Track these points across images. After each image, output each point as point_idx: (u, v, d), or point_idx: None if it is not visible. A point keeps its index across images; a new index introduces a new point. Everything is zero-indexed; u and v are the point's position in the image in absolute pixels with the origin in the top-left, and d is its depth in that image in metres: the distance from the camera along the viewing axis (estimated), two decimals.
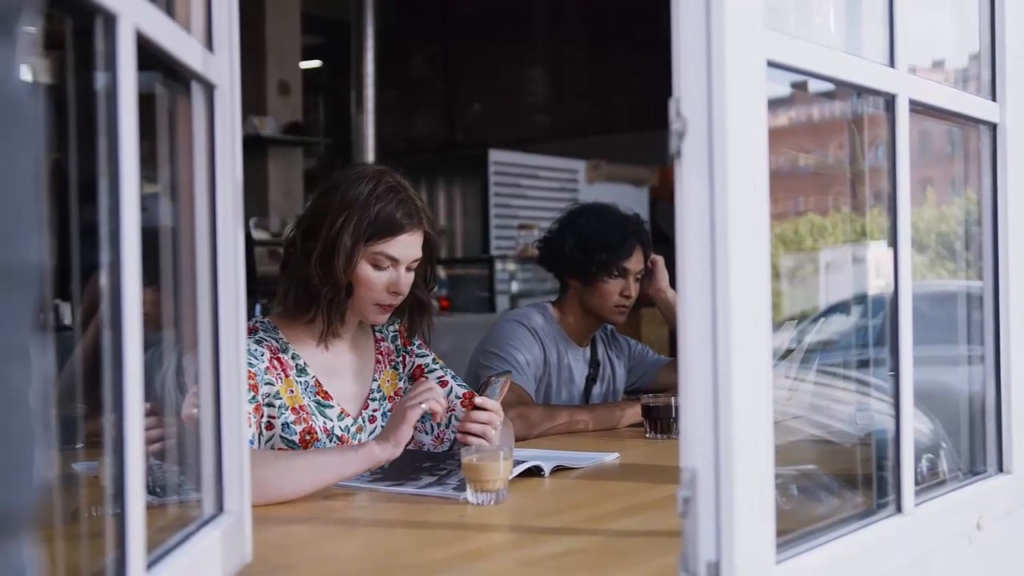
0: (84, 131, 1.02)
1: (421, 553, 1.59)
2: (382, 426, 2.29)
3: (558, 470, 2.18)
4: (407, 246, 2.22)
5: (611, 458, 2.36)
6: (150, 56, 1.11)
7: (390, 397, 2.36)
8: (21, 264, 0.54)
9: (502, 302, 7.23)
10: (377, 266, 2.20)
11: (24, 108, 0.54)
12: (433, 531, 1.72)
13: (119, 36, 1.00)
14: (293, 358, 2.23)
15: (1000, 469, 1.83)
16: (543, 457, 2.20)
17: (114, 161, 1.01)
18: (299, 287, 2.21)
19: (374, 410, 2.33)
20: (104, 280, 1.01)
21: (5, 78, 0.53)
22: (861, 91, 1.57)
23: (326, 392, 2.24)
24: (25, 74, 0.56)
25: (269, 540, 1.59)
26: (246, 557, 1.42)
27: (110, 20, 1.00)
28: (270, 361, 2.16)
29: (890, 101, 1.53)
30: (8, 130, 0.53)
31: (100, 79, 1.01)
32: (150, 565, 1.09)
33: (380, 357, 2.38)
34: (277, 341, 2.22)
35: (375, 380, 2.35)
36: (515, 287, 7.46)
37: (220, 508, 1.37)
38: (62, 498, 1.31)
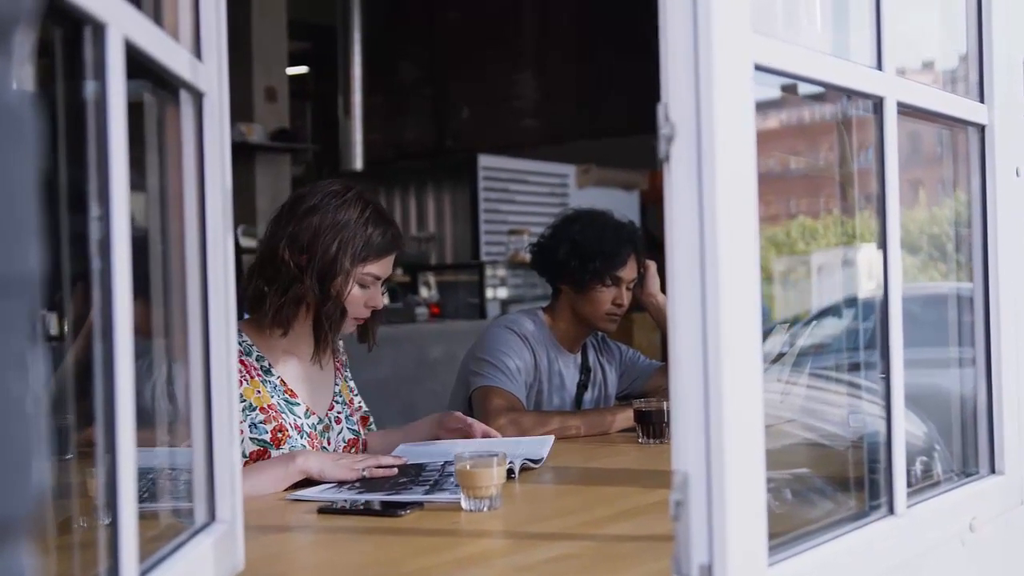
0: (72, 139, 1.02)
1: (416, 560, 1.59)
2: (348, 428, 2.43)
3: (526, 470, 2.21)
4: (390, 265, 2.36)
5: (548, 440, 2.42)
6: (138, 64, 1.10)
7: (348, 403, 2.47)
8: (20, 273, 0.54)
9: (492, 308, 7.21)
10: (363, 285, 2.31)
11: (22, 118, 0.54)
12: (427, 538, 1.72)
13: (108, 45, 1.00)
14: (258, 360, 2.29)
15: (992, 470, 1.83)
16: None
17: (104, 170, 1.01)
18: (291, 305, 2.26)
19: (338, 412, 2.43)
20: (95, 289, 1.00)
21: (3, 88, 0.53)
22: (849, 94, 1.58)
23: (292, 391, 2.32)
24: (21, 84, 0.56)
25: (261, 549, 1.59)
26: (238, 566, 1.42)
27: (99, 29, 1.00)
28: None
29: (878, 104, 1.53)
30: (7, 140, 0.53)
31: (89, 87, 1.01)
32: (142, 574, 1.08)
33: (339, 365, 2.50)
34: (240, 344, 2.26)
35: (336, 385, 2.46)
36: (505, 293, 7.43)
37: (212, 517, 1.37)
38: (51, 508, 1.31)
